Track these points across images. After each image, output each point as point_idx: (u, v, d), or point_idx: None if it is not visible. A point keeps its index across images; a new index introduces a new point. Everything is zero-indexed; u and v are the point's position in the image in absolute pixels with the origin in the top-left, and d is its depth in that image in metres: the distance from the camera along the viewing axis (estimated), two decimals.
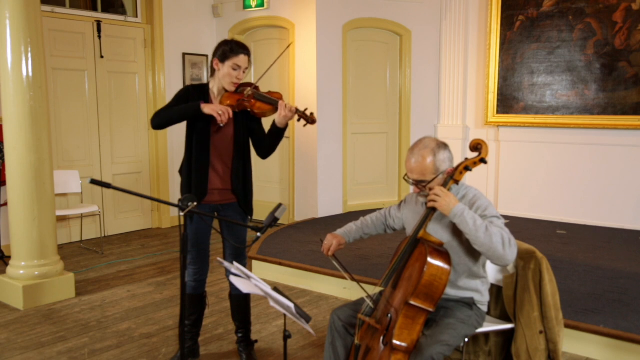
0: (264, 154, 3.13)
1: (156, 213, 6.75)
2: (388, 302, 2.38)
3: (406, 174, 2.47)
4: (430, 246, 2.31)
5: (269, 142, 3.07)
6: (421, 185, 2.44)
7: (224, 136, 3.03)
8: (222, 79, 2.99)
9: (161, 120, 2.97)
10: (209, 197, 3.07)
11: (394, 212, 2.78)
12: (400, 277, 2.38)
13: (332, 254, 2.64)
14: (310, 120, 2.96)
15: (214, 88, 3.06)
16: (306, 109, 2.99)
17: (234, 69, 2.95)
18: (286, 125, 2.99)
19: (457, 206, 2.30)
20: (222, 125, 2.88)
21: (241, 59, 2.94)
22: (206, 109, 2.86)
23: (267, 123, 3.00)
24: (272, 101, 2.96)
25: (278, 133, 3.02)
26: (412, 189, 2.53)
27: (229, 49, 2.94)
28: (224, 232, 3.15)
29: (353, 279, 2.38)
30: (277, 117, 2.95)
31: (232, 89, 3.00)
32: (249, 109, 2.99)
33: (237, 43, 2.98)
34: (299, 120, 2.98)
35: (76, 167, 5.95)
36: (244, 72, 2.99)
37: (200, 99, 3.02)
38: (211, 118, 2.94)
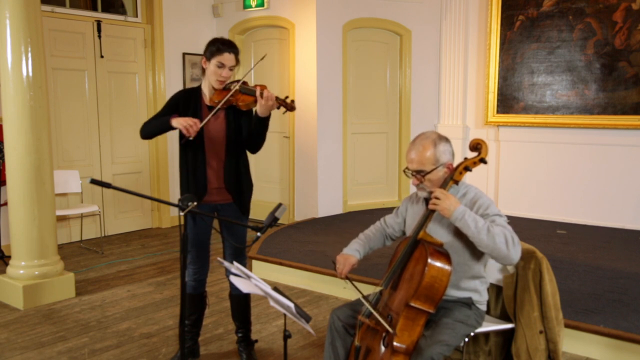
0: (253, 147, 3.12)
1: (156, 213, 6.75)
2: (388, 303, 2.38)
3: (406, 167, 2.48)
4: (431, 247, 2.30)
5: (254, 133, 3.05)
6: (420, 175, 2.44)
7: (217, 132, 3.04)
8: (209, 77, 3.02)
9: (145, 133, 3.11)
10: (208, 197, 3.07)
11: (391, 221, 2.77)
12: (400, 279, 2.38)
13: (345, 276, 2.60)
14: (289, 107, 2.95)
15: (205, 89, 3.09)
16: (286, 97, 2.98)
17: (219, 67, 2.97)
18: (269, 115, 2.98)
19: (457, 209, 2.29)
20: (190, 138, 2.91)
21: (225, 57, 2.96)
22: (174, 122, 2.91)
23: None
24: (253, 92, 2.96)
25: (261, 123, 3.00)
26: (411, 182, 2.51)
27: (215, 48, 2.97)
28: (223, 231, 3.15)
29: (367, 301, 2.35)
30: (258, 107, 2.95)
31: (218, 86, 3.02)
32: (234, 104, 3.01)
33: (224, 42, 3.00)
34: (278, 107, 2.97)
35: (76, 167, 5.94)
36: (230, 70, 3.00)
37: (190, 102, 3.06)
38: (209, 110, 3.00)
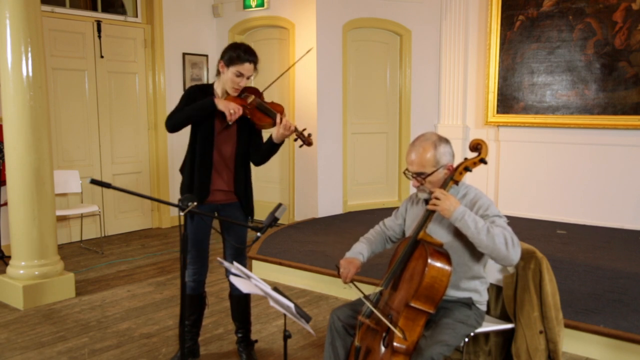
0: (258, 162, 3.12)
1: (156, 213, 6.75)
2: (388, 304, 2.38)
3: (406, 168, 2.47)
4: (431, 247, 2.30)
5: (263, 154, 3.05)
6: (420, 177, 2.43)
7: (227, 138, 3.03)
8: (225, 82, 2.98)
9: (177, 121, 2.97)
10: (211, 197, 3.07)
11: (390, 223, 2.76)
12: (400, 279, 2.38)
13: (349, 281, 2.56)
14: (307, 142, 2.93)
15: (218, 89, 3.06)
16: (304, 129, 2.96)
17: (237, 76, 2.92)
18: (282, 141, 2.97)
19: (457, 210, 2.29)
20: (230, 123, 2.88)
21: (245, 67, 2.91)
22: (220, 105, 2.88)
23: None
24: (272, 115, 2.93)
25: (273, 147, 2.99)
26: (411, 184, 2.51)
27: (235, 55, 2.90)
28: (224, 231, 3.15)
29: (370, 301, 2.34)
30: (275, 133, 2.92)
31: (234, 93, 2.99)
32: (249, 117, 2.97)
33: (246, 50, 2.94)
34: (295, 139, 2.94)
35: (76, 167, 5.94)
36: (247, 79, 2.96)
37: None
38: (222, 117, 2.96)
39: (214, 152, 3.03)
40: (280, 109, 2.98)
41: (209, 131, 3.00)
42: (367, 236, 2.78)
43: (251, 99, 2.97)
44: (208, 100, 2.92)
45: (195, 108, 2.94)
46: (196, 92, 3.06)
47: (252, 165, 3.21)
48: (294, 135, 2.94)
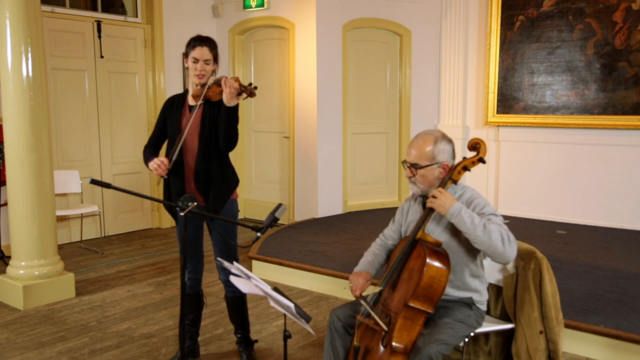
0: (224, 142, 3.02)
1: (156, 213, 6.75)
2: (387, 303, 2.38)
3: (405, 159, 2.50)
4: (429, 247, 2.30)
5: (222, 126, 2.98)
6: (413, 168, 2.45)
7: (193, 129, 3.04)
8: (190, 74, 3.07)
9: (144, 160, 3.24)
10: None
11: (389, 232, 2.76)
12: (399, 279, 2.38)
13: (359, 294, 2.53)
14: (248, 91, 2.89)
15: (190, 88, 3.13)
16: (250, 84, 2.94)
17: (194, 62, 3.01)
18: (236, 105, 2.94)
19: (453, 206, 2.29)
20: (164, 177, 3.07)
21: (197, 51, 3.00)
22: (149, 166, 3.09)
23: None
24: (219, 80, 2.94)
25: (227, 113, 2.93)
26: (405, 174, 2.53)
27: (190, 46, 3.04)
28: (214, 232, 3.10)
29: (372, 309, 2.34)
30: (223, 95, 2.91)
31: (198, 81, 3.03)
32: (209, 97, 3.01)
33: (196, 37, 3.05)
34: (240, 94, 2.91)
35: (76, 167, 5.95)
36: (206, 63, 3.01)
37: (173, 107, 3.14)
38: (190, 109, 3.07)
39: (184, 141, 3.03)
40: (234, 78, 2.98)
41: (177, 126, 3.07)
42: (371, 250, 2.78)
43: (210, 80, 3.03)
44: (145, 162, 3.18)
45: (145, 161, 3.21)
46: (166, 105, 3.20)
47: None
48: (244, 95, 2.93)
